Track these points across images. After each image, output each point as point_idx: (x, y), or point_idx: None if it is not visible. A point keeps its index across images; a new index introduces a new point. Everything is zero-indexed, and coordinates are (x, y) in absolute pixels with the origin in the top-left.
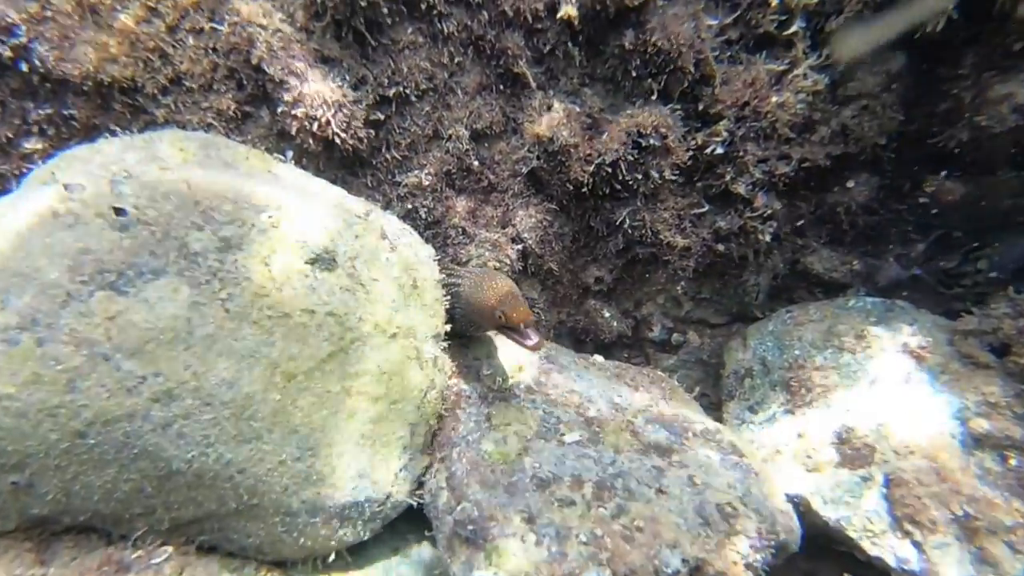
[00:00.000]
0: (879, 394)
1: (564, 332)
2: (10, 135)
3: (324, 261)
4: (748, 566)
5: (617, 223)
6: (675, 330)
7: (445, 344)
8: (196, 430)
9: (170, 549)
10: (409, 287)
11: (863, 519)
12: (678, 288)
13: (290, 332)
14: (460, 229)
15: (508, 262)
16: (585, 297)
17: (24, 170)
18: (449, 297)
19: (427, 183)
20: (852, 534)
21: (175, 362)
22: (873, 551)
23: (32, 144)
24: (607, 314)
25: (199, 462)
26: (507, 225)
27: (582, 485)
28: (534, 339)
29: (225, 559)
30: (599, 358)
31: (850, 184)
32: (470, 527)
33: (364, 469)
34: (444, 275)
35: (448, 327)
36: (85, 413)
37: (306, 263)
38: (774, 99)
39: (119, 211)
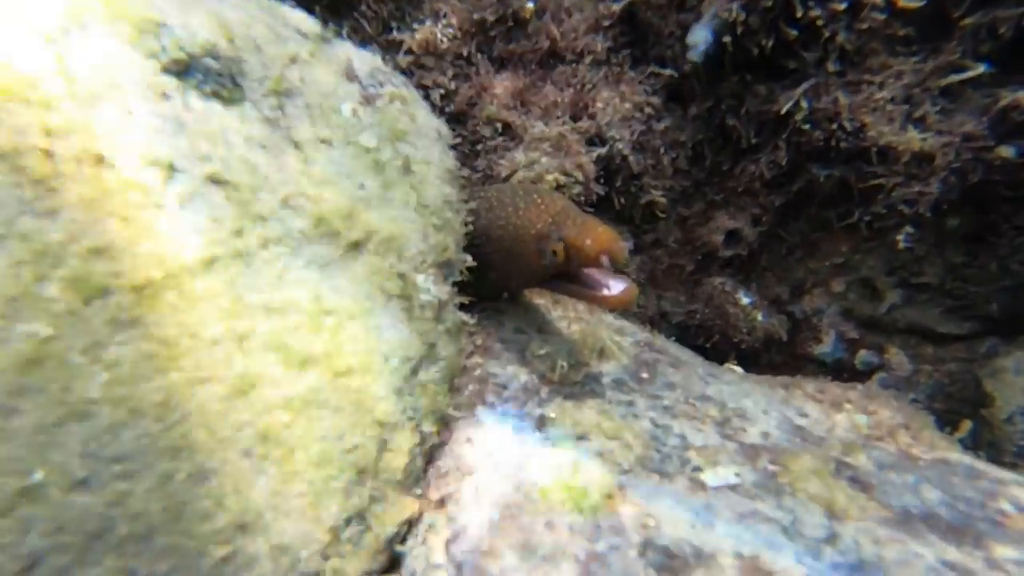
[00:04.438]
0: None
1: (668, 332)
2: None
3: (209, 76)
4: None
5: (778, 116)
6: (862, 343)
7: (461, 292)
8: None
9: None
10: (395, 170)
11: None
12: (877, 263)
13: (105, 196)
14: (500, 125)
15: (578, 179)
16: (707, 269)
17: None
18: (472, 228)
19: (445, 44)
20: None
21: None
22: None
23: None
24: (745, 301)
25: None
26: (580, 115)
27: None
28: (620, 286)
29: None
30: (737, 368)
31: None
32: None
33: (255, 513)
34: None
35: (470, 261)
36: None
37: (165, 70)
38: None
39: None
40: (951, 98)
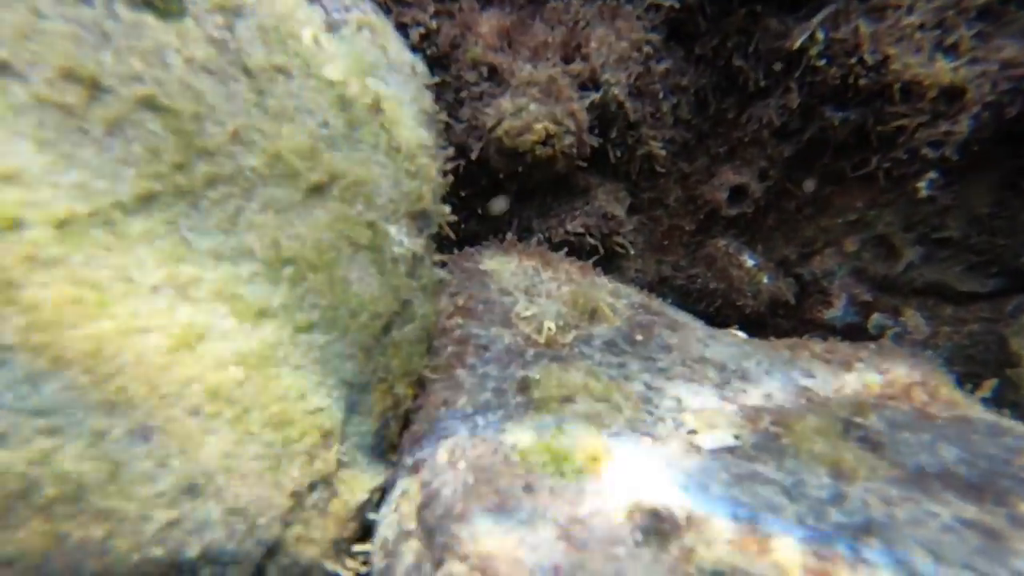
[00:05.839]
0: None
1: (668, 296)
2: None
3: None
4: None
5: (791, 53)
6: (875, 306)
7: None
8: None
9: None
10: (363, 108)
11: None
12: (895, 218)
13: (15, 115)
14: (485, 68)
15: (570, 128)
16: (709, 230)
17: None
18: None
19: None
20: None
21: None
22: None
23: None
24: (749, 263)
25: None
26: (572, 56)
27: (767, 542)
28: None
29: None
30: (740, 333)
31: None
32: None
33: (205, 475)
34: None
35: (448, 213)
36: None
37: None
38: None
39: None
40: (990, 19)
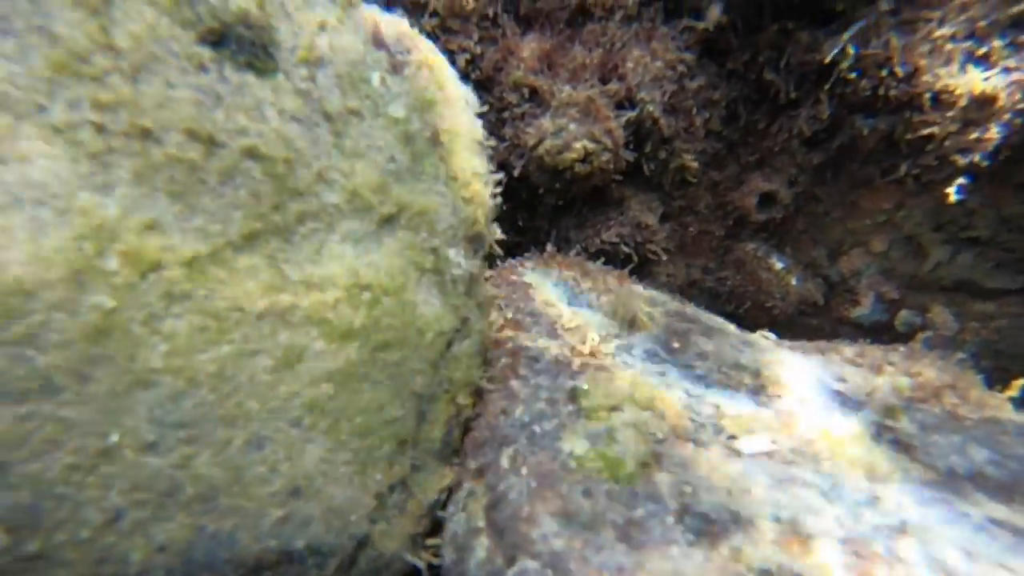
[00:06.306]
0: None
1: (698, 299)
2: None
3: (242, 45)
4: None
5: (821, 66)
6: (903, 303)
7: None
8: None
9: None
10: (424, 141)
11: None
12: (923, 219)
13: (153, 172)
14: (527, 90)
15: (607, 146)
16: (738, 235)
17: None
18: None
19: (471, 4)
20: None
21: None
22: None
23: None
24: (778, 266)
25: None
26: (609, 77)
27: (807, 543)
28: None
29: None
30: (770, 335)
31: None
32: None
33: (306, 478)
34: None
35: (498, 234)
36: None
37: (200, 39)
38: None
39: None
40: (1022, 29)
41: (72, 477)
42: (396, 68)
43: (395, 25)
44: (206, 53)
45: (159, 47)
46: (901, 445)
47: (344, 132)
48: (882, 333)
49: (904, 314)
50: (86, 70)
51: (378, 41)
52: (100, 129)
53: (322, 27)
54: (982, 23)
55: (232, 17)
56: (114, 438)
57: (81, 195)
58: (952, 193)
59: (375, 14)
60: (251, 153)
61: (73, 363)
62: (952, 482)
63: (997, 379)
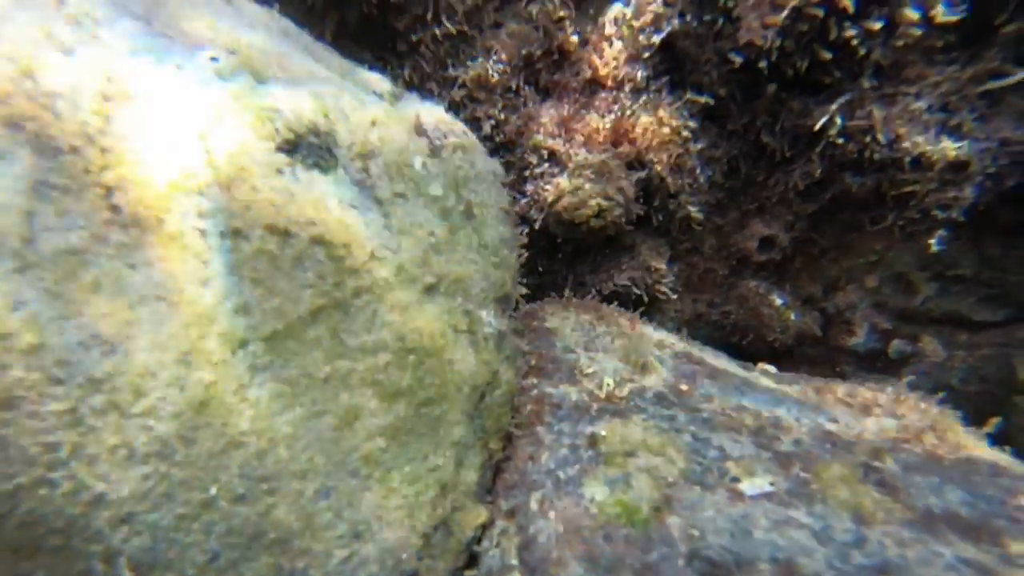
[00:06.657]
0: None
1: (704, 331)
2: None
3: (311, 150)
4: None
5: (812, 131)
6: (896, 333)
7: (516, 318)
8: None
9: None
10: (459, 215)
11: None
12: (911, 259)
13: (241, 264)
14: (545, 152)
15: (619, 202)
16: (741, 273)
17: None
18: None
19: (495, 78)
20: None
21: None
22: None
23: None
24: (778, 302)
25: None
26: (621, 141)
27: None
28: None
29: None
30: (770, 368)
31: None
32: None
33: (364, 523)
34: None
35: (523, 291)
36: None
37: (278, 149)
38: None
39: None
40: (989, 104)
41: (182, 524)
42: (434, 151)
43: (433, 113)
44: (283, 159)
45: (247, 159)
46: (886, 485)
47: (392, 213)
48: (876, 360)
49: (896, 343)
50: (191, 184)
51: (419, 129)
52: (203, 234)
53: (373, 123)
54: (953, 98)
55: (304, 129)
56: (213, 491)
57: (188, 288)
58: (933, 244)
59: (417, 105)
60: (317, 239)
61: (182, 430)
62: (929, 522)
63: (983, 402)
